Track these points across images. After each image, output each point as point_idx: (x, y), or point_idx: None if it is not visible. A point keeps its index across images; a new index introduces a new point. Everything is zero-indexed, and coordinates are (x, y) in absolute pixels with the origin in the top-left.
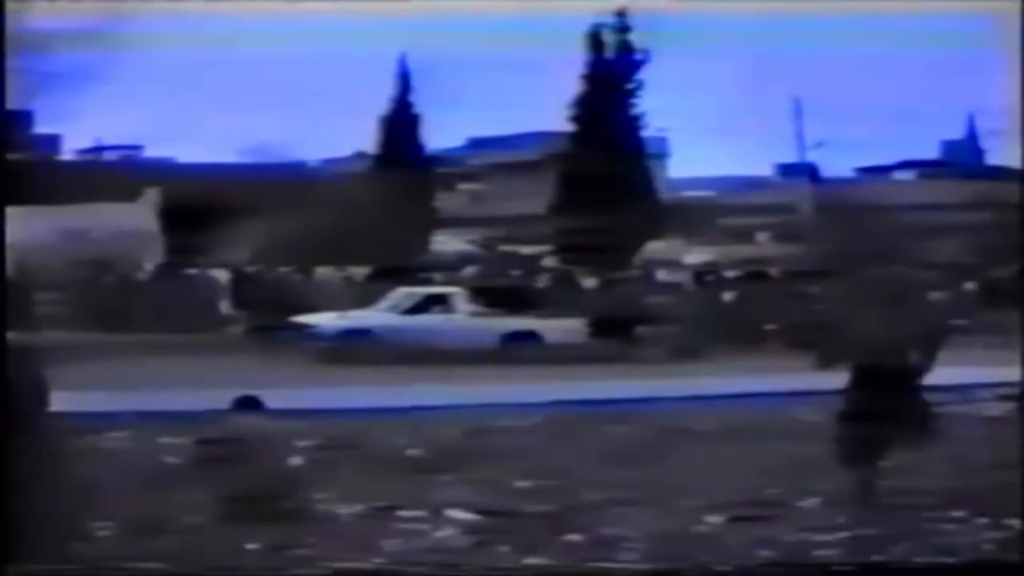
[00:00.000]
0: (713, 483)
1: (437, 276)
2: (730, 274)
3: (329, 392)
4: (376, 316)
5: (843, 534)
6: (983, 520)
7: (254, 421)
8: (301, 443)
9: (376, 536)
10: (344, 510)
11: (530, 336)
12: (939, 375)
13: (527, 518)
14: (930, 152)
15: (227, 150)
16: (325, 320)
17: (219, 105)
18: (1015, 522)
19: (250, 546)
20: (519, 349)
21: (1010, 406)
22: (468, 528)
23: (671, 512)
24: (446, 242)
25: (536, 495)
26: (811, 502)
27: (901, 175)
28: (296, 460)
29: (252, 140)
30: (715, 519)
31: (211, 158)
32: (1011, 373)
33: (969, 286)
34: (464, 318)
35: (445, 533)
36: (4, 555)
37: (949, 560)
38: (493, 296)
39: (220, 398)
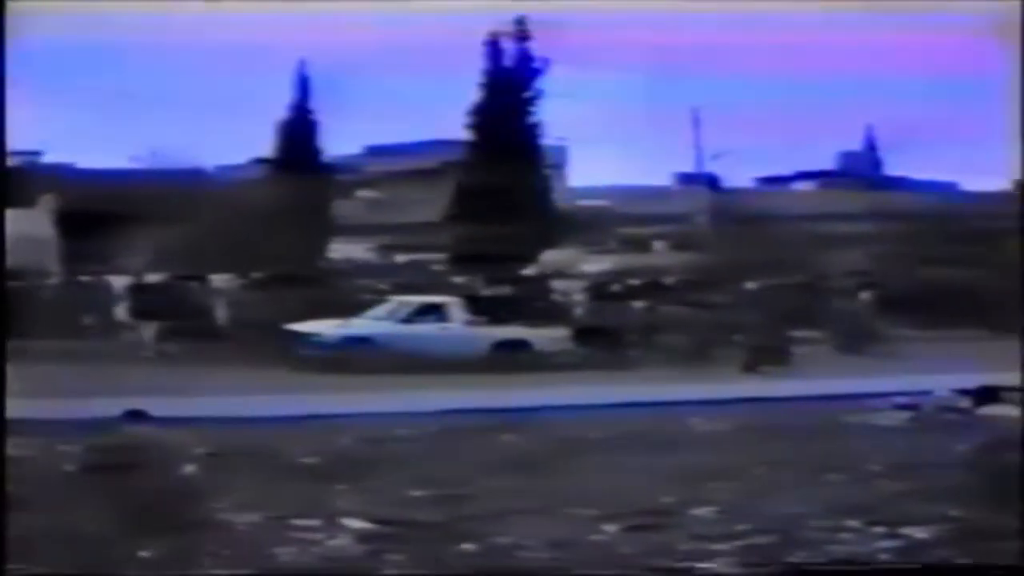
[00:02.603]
0: (609, 492)
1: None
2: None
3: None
4: (375, 324)
5: (738, 543)
6: (879, 529)
7: (148, 430)
8: (196, 451)
9: (270, 545)
10: (239, 519)
11: (521, 345)
12: (835, 385)
13: (422, 527)
14: (828, 163)
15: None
16: (326, 328)
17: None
18: (911, 531)
19: (144, 554)
20: (510, 357)
21: (905, 415)
22: (362, 537)
23: (567, 521)
24: (343, 249)
25: (431, 504)
26: (705, 510)
27: (799, 185)
28: (190, 469)
29: (149, 146)
30: (610, 527)
31: (109, 164)
32: (906, 382)
33: (866, 296)
34: (458, 326)
35: (339, 542)
36: (4, 555)
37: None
38: (484, 305)
39: (118, 406)
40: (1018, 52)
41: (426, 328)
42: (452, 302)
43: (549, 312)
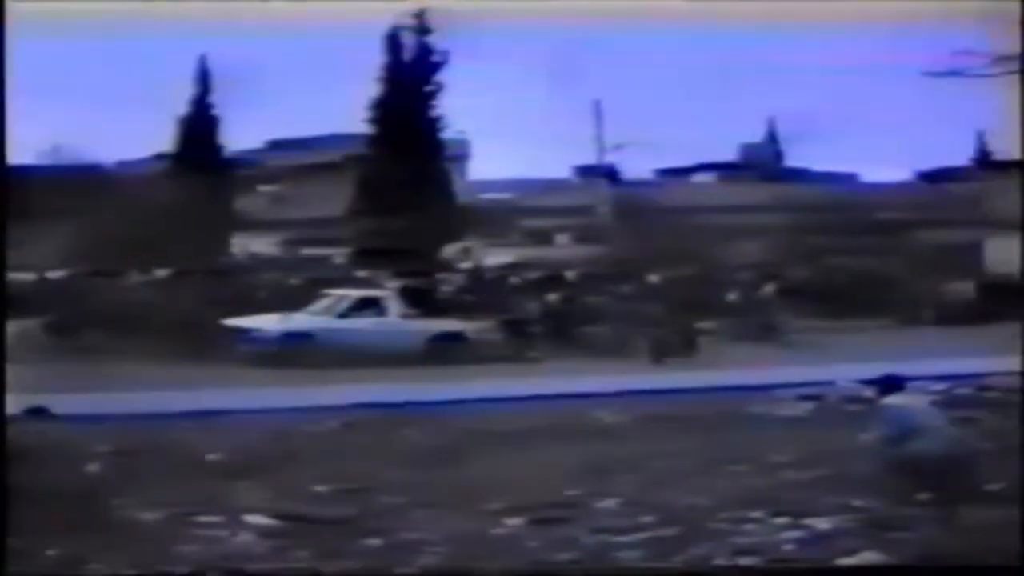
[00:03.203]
0: (512, 485)
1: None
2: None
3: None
4: (315, 320)
5: (642, 535)
6: (782, 520)
7: (50, 428)
8: (100, 449)
9: (173, 542)
10: (143, 516)
11: (457, 337)
12: (741, 376)
13: (326, 523)
14: (729, 154)
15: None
16: (267, 323)
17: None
18: (814, 521)
19: (49, 552)
20: (447, 349)
21: (809, 406)
22: (266, 533)
23: (470, 514)
24: (246, 244)
25: (336, 499)
26: (610, 503)
27: (700, 177)
28: (93, 467)
29: (48, 141)
30: (514, 521)
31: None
32: (810, 373)
33: (768, 288)
34: (395, 320)
35: (243, 539)
36: (4, 555)
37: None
38: (420, 298)
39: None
40: (1018, 51)
41: (364, 322)
42: (388, 296)
43: (482, 304)
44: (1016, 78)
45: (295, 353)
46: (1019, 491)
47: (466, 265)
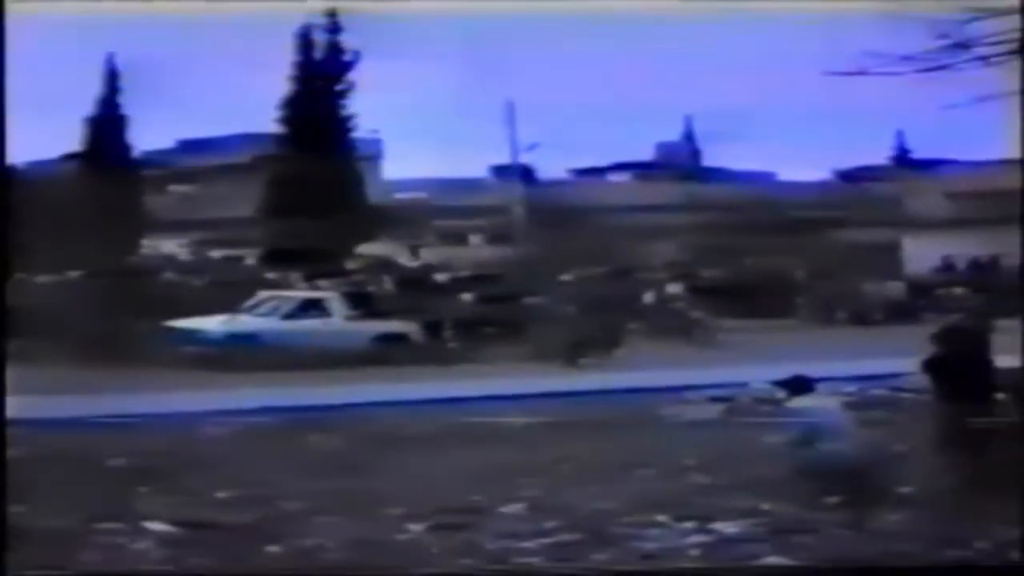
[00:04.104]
0: (417, 490)
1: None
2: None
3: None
4: (260, 321)
5: (545, 540)
6: (688, 524)
7: None
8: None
9: (74, 549)
10: (44, 523)
11: (400, 338)
12: (651, 377)
13: (226, 529)
14: (645, 154)
15: None
16: (212, 324)
17: None
18: (721, 526)
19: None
20: (390, 350)
21: (719, 408)
22: (166, 540)
23: (373, 520)
24: (157, 245)
25: (236, 506)
26: (514, 508)
27: (615, 176)
28: None
29: None
30: (416, 527)
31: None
32: (719, 375)
33: (677, 287)
34: (340, 322)
35: (143, 546)
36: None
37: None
38: (363, 299)
39: None
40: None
41: (308, 324)
42: (331, 297)
43: (420, 305)
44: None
45: (238, 354)
46: (931, 494)
47: (410, 264)
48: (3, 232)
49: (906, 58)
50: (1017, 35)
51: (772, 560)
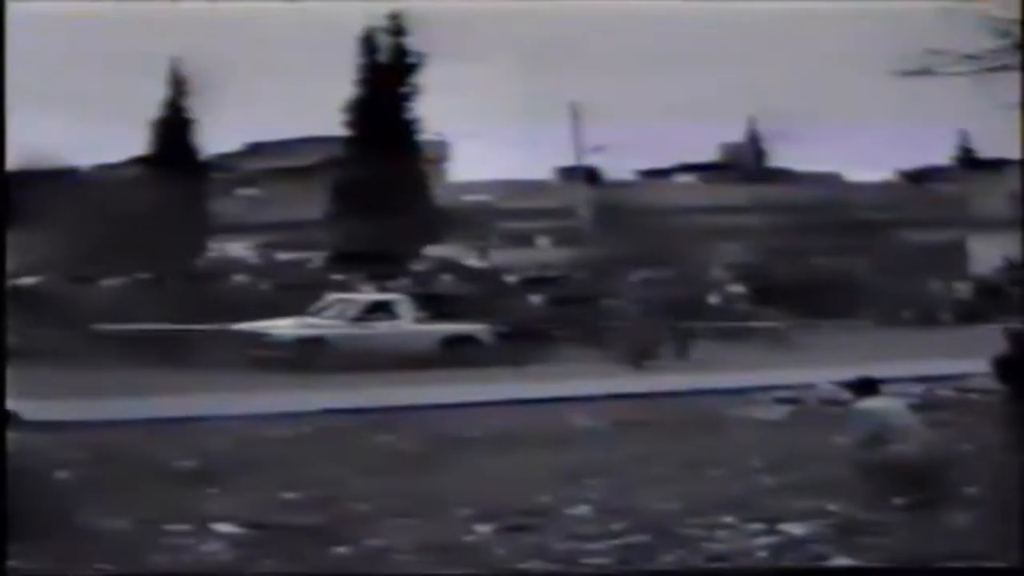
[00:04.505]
0: (484, 492)
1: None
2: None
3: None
4: (328, 323)
5: (612, 542)
6: (756, 526)
7: (16, 435)
8: (67, 456)
9: (142, 551)
10: (111, 524)
11: (469, 340)
12: (718, 379)
13: (294, 531)
14: (710, 155)
15: None
16: (281, 327)
17: None
18: (789, 527)
19: (13, 563)
20: (459, 352)
21: (787, 409)
22: (234, 542)
23: (440, 522)
24: (224, 248)
25: (304, 507)
26: (581, 509)
27: (681, 178)
28: (63, 474)
29: (23, 146)
30: (484, 528)
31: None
32: (786, 376)
33: (746, 288)
34: (408, 324)
35: (211, 547)
36: (4, 554)
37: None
38: (432, 301)
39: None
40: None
41: (377, 326)
42: (400, 299)
43: (489, 307)
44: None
45: (308, 357)
46: (999, 494)
47: (478, 265)
48: (2, 233)
49: (970, 57)
50: None
51: (840, 561)
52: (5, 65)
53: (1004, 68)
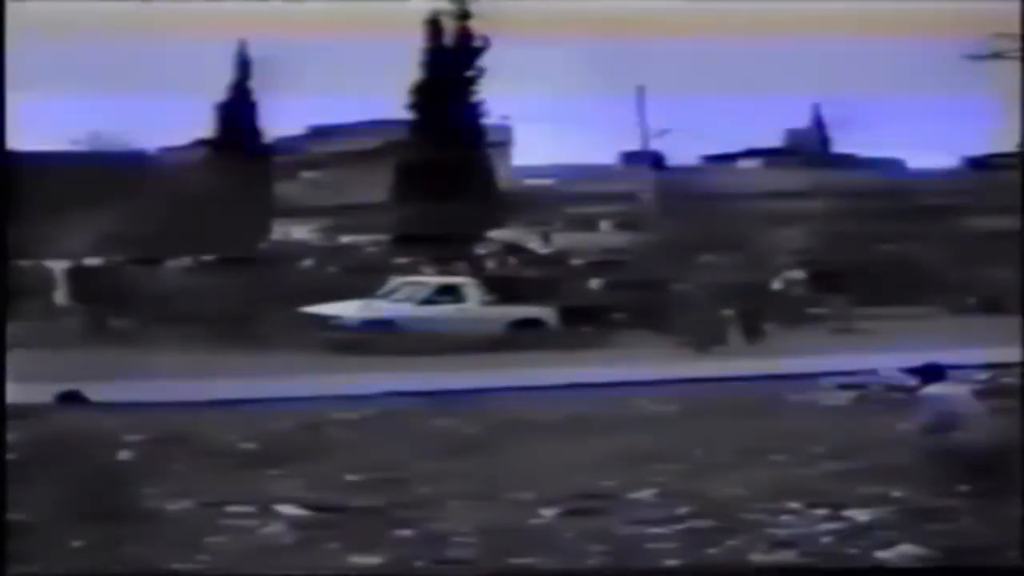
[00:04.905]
0: (548, 476)
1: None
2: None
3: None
4: (395, 306)
5: (677, 527)
6: (820, 512)
7: (80, 415)
8: (130, 437)
9: (204, 533)
10: (172, 506)
11: (536, 323)
12: (781, 364)
13: (357, 513)
14: (775, 140)
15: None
16: (349, 310)
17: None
18: (853, 513)
19: (76, 543)
20: (526, 335)
21: (851, 395)
22: (297, 524)
23: (504, 505)
24: (287, 231)
25: (367, 489)
26: (645, 494)
27: (745, 163)
28: (124, 455)
29: (88, 128)
30: (548, 512)
31: (46, 146)
32: (850, 362)
33: (809, 273)
34: (475, 307)
35: (273, 529)
36: (4, 555)
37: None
38: (499, 285)
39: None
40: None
41: (444, 309)
42: (467, 283)
43: (555, 290)
44: None
45: (375, 340)
46: None
47: (544, 250)
48: (2, 221)
49: None
50: None
51: (906, 548)
52: (5, 65)
53: None
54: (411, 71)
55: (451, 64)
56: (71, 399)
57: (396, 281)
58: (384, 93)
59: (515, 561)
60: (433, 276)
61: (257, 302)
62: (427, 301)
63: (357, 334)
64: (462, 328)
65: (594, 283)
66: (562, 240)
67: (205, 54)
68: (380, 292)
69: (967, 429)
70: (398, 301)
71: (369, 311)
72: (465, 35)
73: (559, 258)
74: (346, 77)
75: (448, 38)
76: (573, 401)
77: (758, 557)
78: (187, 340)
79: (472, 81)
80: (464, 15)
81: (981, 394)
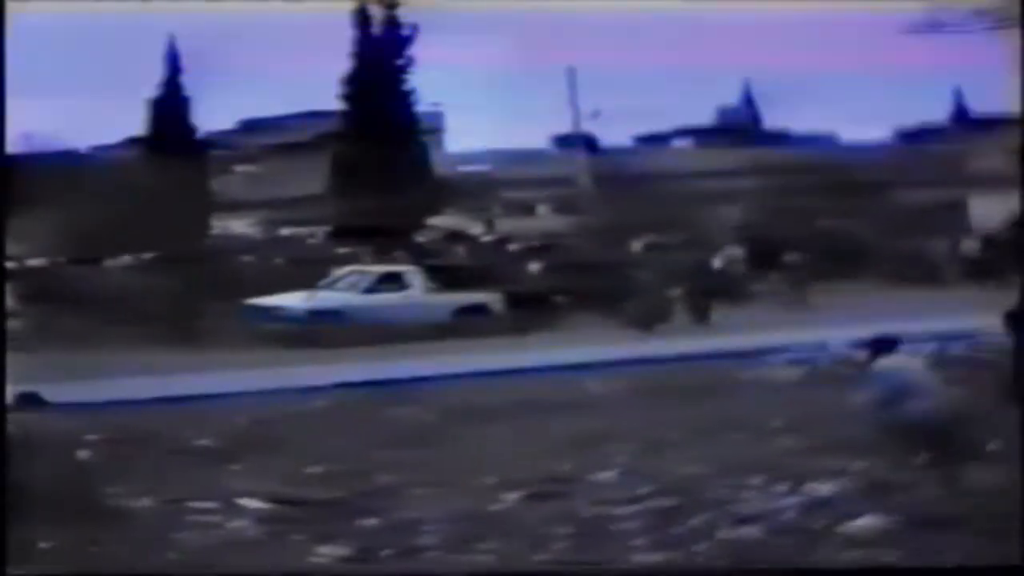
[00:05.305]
0: (507, 460)
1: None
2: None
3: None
4: (340, 296)
5: (639, 506)
6: (781, 487)
7: (39, 417)
8: (87, 437)
9: (170, 530)
10: (134, 504)
11: (480, 309)
12: (729, 341)
13: (320, 505)
14: (706, 119)
15: None
16: (294, 301)
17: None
18: (813, 487)
19: (43, 545)
20: (471, 322)
21: (800, 370)
22: (262, 518)
23: (466, 491)
24: (226, 226)
25: (329, 481)
26: (606, 475)
27: (678, 142)
28: (83, 454)
29: (18, 129)
30: (511, 496)
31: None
32: (797, 336)
33: (748, 250)
34: (421, 294)
35: (239, 524)
36: (4, 555)
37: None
38: (442, 272)
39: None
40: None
41: (390, 297)
42: (411, 270)
43: (498, 275)
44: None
45: (321, 330)
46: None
47: (484, 235)
48: (2, 228)
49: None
50: None
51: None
52: (5, 64)
53: (1007, 25)
54: (342, 61)
55: (381, 53)
56: (29, 401)
57: (341, 271)
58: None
59: (483, 547)
60: (375, 265)
61: (200, 298)
62: (371, 289)
63: (302, 326)
64: (408, 316)
65: (535, 267)
66: (503, 225)
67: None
68: (323, 282)
69: (923, 400)
70: (342, 290)
71: (314, 301)
72: (393, 23)
73: (501, 244)
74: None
75: (377, 27)
76: (524, 385)
77: (724, 533)
78: (133, 339)
79: (402, 69)
80: (392, 3)
81: (932, 365)
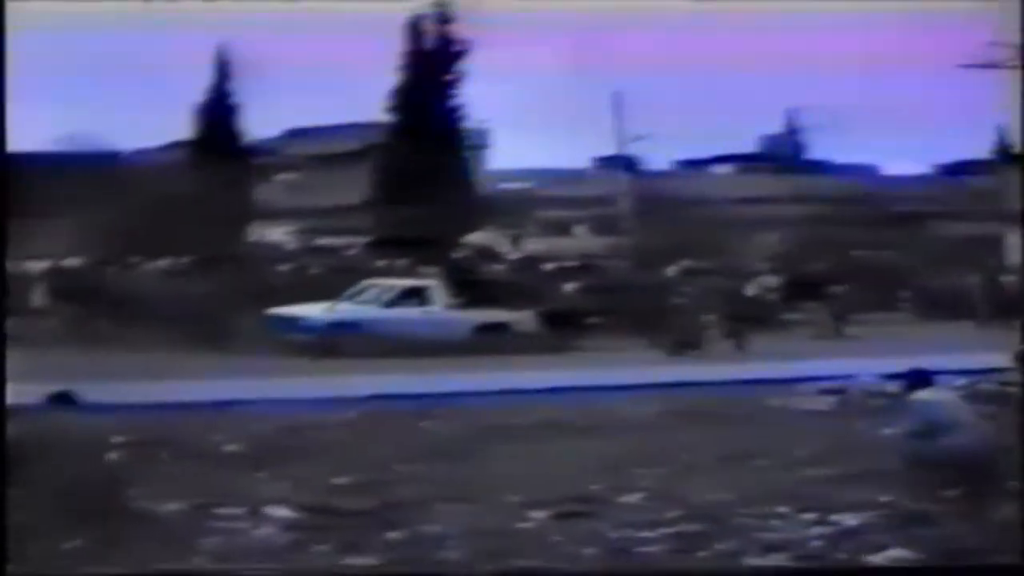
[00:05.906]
0: (533, 479)
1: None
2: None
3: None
4: (361, 308)
5: (667, 530)
6: (808, 516)
7: (72, 417)
8: (117, 439)
9: (195, 535)
10: (162, 508)
11: (501, 327)
12: (760, 368)
13: (346, 515)
14: (749, 146)
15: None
16: (314, 312)
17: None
18: (841, 517)
19: (67, 545)
20: (491, 339)
21: (831, 399)
22: (288, 526)
23: (492, 508)
24: (264, 233)
25: (355, 492)
26: (632, 498)
27: (719, 168)
28: (112, 456)
29: (65, 129)
30: (538, 515)
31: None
32: (829, 366)
33: (783, 279)
34: (441, 310)
35: (265, 531)
36: (4, 555)
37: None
38: (467, 288)
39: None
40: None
41: (410, 312)
42: (433, 285)
43: (523, 294)
44: None
45: (341, 342)
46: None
47: (512, 254)
48: (3, 228)
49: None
50: None
51: (896, 552)
52: (5, 62)
53: None
54: (391, 74)
55: (430, 67)
56: (62, 400)
57: (363, 283)
58: (364, 96)
59: (508, 564)
60: (403, 279)
61: (233, 304)
62: (392, 303)
63: (321, 337)
64: (427, 331)
65: (567, 287)
66: (535, 244)
67: (185, 55)
68: (346, 294)
69: (958, 434)
70: (363, 303)
71: (334, 313)
72: (445, 39)
73: (528, 262)
74: (326, 79)
75: (428, 42)
76: (553, 405)
77: (751, 560)
78: (164, 342)
79: (452, 84)
80: (444, 19)
81: (966, 399)
